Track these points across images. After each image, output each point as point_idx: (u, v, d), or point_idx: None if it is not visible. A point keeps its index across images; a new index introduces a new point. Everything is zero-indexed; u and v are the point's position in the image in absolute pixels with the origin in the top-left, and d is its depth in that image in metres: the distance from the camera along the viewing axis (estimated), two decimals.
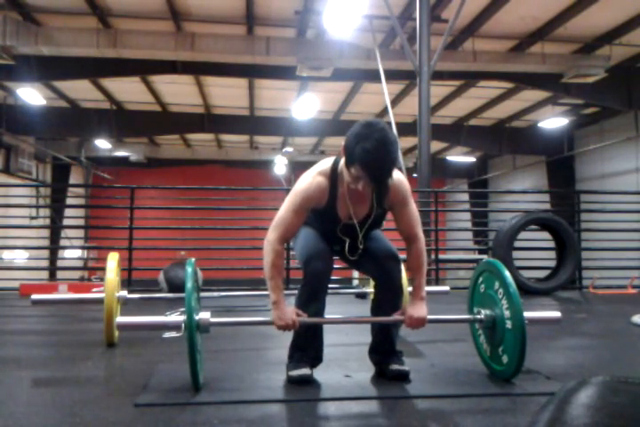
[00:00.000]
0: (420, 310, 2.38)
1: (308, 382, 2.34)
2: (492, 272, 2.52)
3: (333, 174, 2.37)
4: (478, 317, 2.51)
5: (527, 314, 2.32)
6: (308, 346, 2.44)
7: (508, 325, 2.35)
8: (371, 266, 2.48)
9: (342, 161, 2.32)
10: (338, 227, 2.41)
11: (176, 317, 2.35)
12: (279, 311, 2.28)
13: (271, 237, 2.35)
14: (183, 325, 2.20)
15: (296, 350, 2.45)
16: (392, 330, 2.50)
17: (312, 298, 2.36)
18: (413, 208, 2.46)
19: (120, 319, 2.46)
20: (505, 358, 2.37)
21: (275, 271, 2.32)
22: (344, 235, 2.43)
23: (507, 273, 2.42)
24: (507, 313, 2.36)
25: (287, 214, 2.36)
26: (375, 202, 2.40)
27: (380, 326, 2.51)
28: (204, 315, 2.31)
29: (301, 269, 2.40)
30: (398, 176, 2.40)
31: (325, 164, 2.42)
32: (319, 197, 2.35)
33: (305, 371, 2.36)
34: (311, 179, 2.37)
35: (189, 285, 2.23)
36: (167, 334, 2.27)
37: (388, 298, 2.44)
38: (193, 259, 2.38)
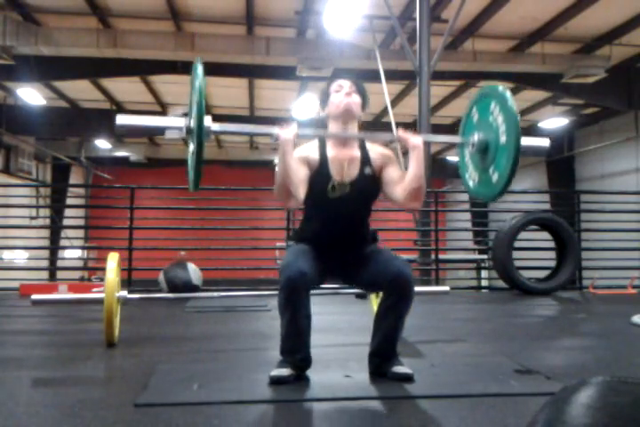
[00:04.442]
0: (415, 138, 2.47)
1: (286, 382, 2.29)
2: (489, 95, 2.52)
3: (321, 138, 2.57)
4: (471, 139, 2.49)
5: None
6: (294, 349, 2.39)
7: (502, 140, 2.35)
8: (378, 269, 2.40)
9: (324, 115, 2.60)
10: (330, 185, 2.45)
11: (178, 118, 2.29)
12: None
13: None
14: (184, 128, 2.16)
15: (282, 354, 2.41)
16: (397, 335, 2.45)
17: (288, 305, 2.29)
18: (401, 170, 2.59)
19: (120, 120, 2.38)
20: (495, 177, 2.41)
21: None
22: (334, 191, 2.46)
23: (506, 92, 2.43)
24: (502, 128, 2.37)
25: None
26: (363, 162, 2.51)
27: (385, 332, 2.44)
28: (206, 120, 2.22)
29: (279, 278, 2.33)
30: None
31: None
32: (310, 151, 2.51)
33: (283, 372, 2.31)
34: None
35: (197, 84, 2.19)
36: (169, 135, 2.21)
37: (397, 303, 2.34)
38: None
